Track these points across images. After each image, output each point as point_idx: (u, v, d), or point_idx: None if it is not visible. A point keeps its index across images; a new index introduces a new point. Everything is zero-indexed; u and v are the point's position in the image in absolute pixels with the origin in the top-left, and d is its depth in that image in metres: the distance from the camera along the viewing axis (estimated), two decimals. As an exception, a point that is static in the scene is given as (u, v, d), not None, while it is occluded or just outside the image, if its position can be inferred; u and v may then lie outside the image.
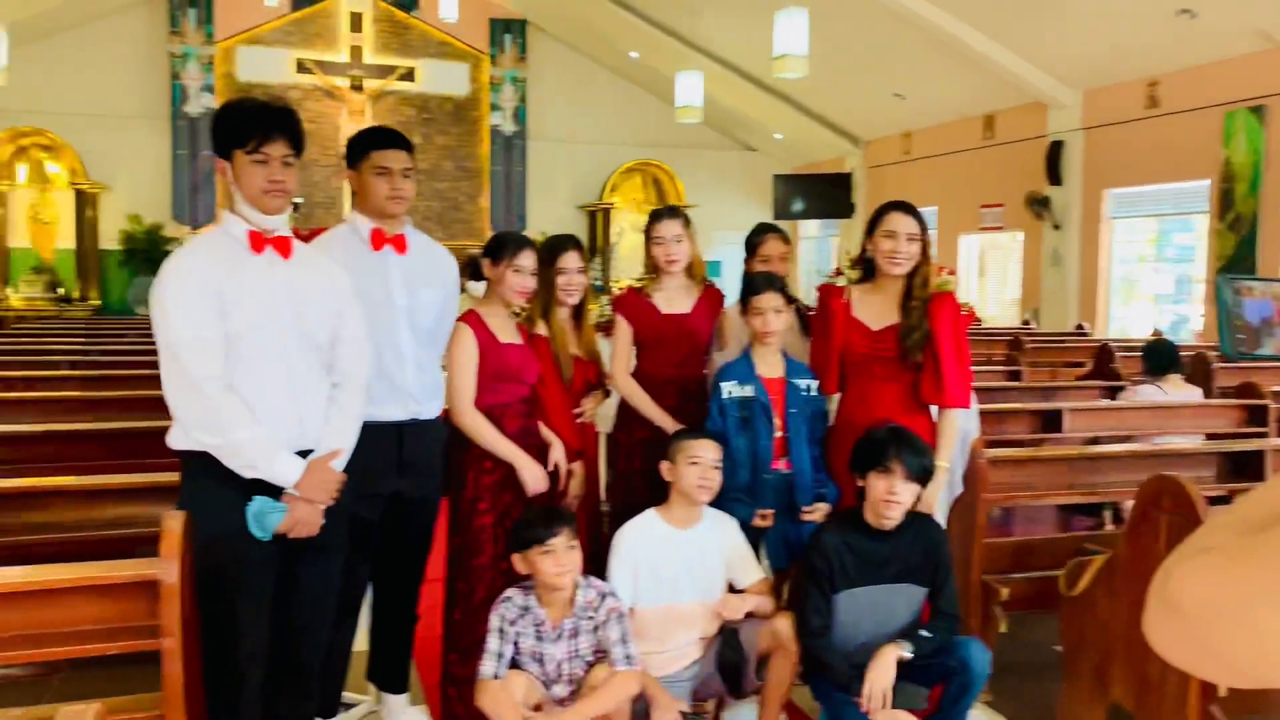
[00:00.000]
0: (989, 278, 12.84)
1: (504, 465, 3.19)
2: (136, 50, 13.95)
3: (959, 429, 3.42)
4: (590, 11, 13.63)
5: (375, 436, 2.79)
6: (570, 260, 3.53)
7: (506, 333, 3.26)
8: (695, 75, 12.50)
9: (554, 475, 3.30)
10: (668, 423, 3.50)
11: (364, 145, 2.99)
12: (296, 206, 12.81)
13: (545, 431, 3.36)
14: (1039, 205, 10.78)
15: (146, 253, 13.75)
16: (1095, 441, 4.88)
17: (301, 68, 14.25)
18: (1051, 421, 4.99)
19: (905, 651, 2.91)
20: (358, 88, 14.39)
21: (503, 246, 3.24)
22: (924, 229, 3.29)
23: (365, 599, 3.20)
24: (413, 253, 3.05)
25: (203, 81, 13.95)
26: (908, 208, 3.28)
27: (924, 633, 2.97)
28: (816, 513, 3.28)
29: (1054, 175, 10.61)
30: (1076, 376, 6.69)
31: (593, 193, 15.61)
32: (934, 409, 3.33)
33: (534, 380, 3.32)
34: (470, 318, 3.21)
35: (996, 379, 6.31)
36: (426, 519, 3.18)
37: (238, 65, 14.12)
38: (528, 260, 3.22)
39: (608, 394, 3.73)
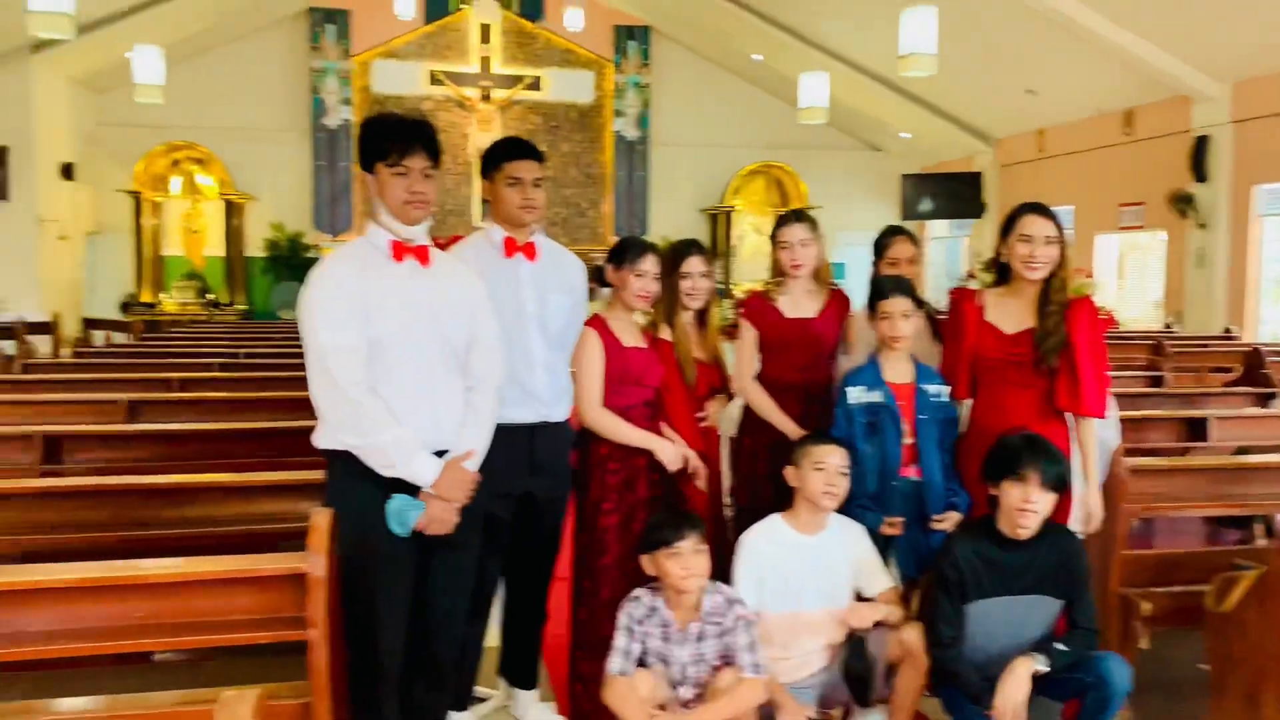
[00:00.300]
0: (1128, 279, 12.32)
1: (628, 466, 3.24)
2: (280, 67, 14.62)
3: (1098, 438, 3.31)
4: (714, 16, 13.65)
5: (507, 438, 2.88)
6: (694, 264, 3.55)
7: (630, 337, 3.30)
8: (819, 76, 12.37)
9: (680, 475, 3.33)
10: (791, 428, 3.49)
11: (497, 156, 3.08)
12: (428, 214, 13.22)
13: (669, 433, 3.39)
14: (1183, 203, 10.30)
15: (288, 259, 14.41)
16: (1244, 451, 4.64)
17: (434, 79, 14.68)
18: (1197, 429, 4.78)
19: (1040, 664, 2.83)
20: (486, 98, 14.74)
21: (625, 251, 3.29)
22: (1062, 231, 3.19)
23: (497, 597, 3.29)
24: (543, 259, 3.13)
25: (341, 95, 14.51)
26: (1045, 210, 3.19)
27: (1059, 646, 2.89)
28: (947, 521, 3.21)
29: (1199, 171, 10.11)
30: (1224, 383, 6.37)
31: (714, 196, 15.61)
32: (1069, 417, 3.23)
33: (657, 383, 3.36)
34: (595, 322, 3.27)
35: (1137, 385, 6.06)
36: (556, 519, 3.25)
37: (374, 78, 14.64)
38: (650, 265, 3.26)
39: (730, 398, 3.74)
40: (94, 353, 7.80)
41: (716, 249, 15.11)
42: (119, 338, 10.85)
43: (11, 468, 3.97)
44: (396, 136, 2.59)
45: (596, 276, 3.47)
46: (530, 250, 3.10)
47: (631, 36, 15.44)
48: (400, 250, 2.63)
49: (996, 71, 11.89)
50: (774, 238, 3.64)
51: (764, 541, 3.10)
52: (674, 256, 3.55)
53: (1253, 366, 6.14)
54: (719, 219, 15.50)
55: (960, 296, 3.35)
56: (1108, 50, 9.89)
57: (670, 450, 3.27)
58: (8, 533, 3.23)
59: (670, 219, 14.94)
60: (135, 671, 3.31)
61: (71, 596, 2.31)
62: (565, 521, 3.31)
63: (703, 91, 15.77)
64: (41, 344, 9.55)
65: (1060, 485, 2.91)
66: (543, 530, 3.21)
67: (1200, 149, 10.11)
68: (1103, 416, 3.25)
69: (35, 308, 11.71)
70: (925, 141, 14.97)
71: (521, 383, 3.04)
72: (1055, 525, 3.00)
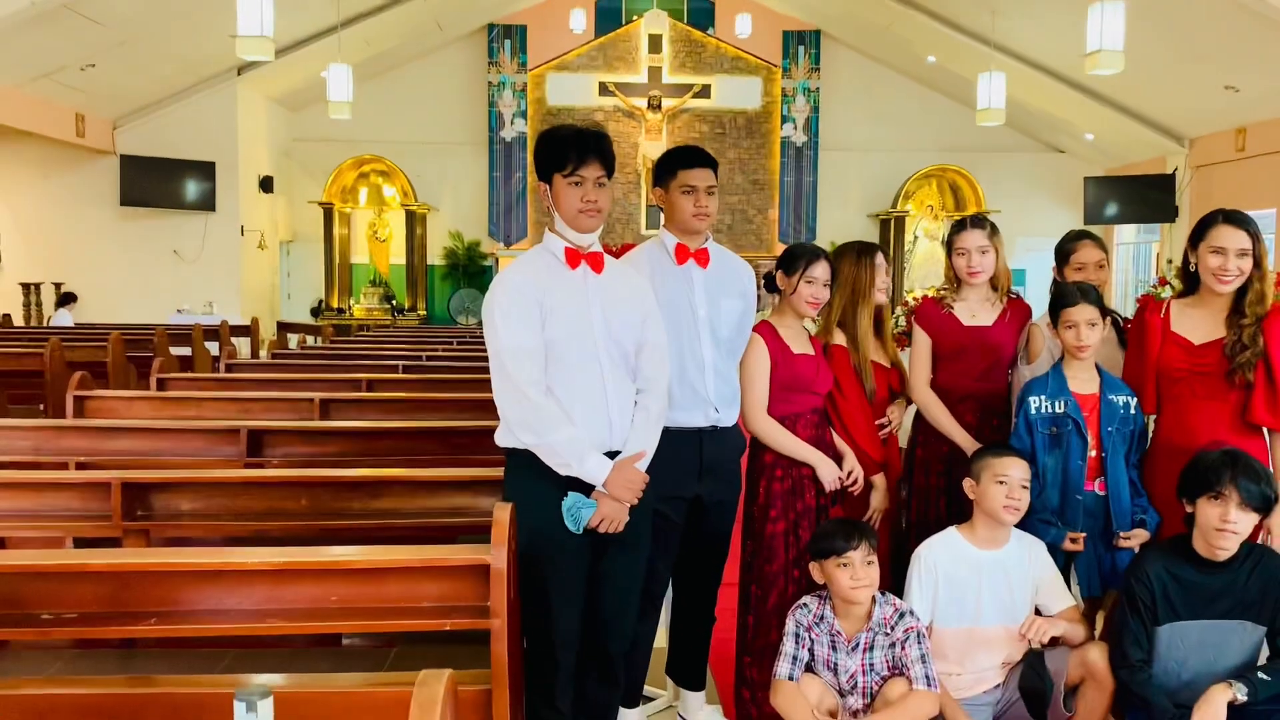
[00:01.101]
0: (1341, 286, 11.40)
1: (793, 475, 3.23)
2: (458, 82, 15.23)
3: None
4: (885, 18, 13.41)
5: (678, 442, 2.93)
6: (879, 260, 3.53)
7: (799, 343, 3.30)
8: (998, 76, 11.98)
9: (843, 486, 3.30)
10: (966, 440, 3.40)
11: (671, 165, 3.13)
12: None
13: (839, 442, 3.36)
14: (1407, 204, 9.46)
15: (465, 267, 15.01)
16: None
17: (604, 90, 14.99)
18: None
19: (1239, 694, 2.67)
20: (655, 107, 14.94)
21: (797, 258, 3.28)
22: (1257, 240, 2.99)
23: (666, 599, 3.34)
24: (714, 266, 3.17)
25: (516, 108, 15.01)
26: (1238, 219, 3.00)
27: (1262, 675, 2.71)
28: (1134, 539, 3.07)
29: None
30: None
31: (885, 200, 15.32)
32: (1266, 433, 3.04)
33: (825, 390, 3.33)
34: (764, 329, 3.28)
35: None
36: (725, 523, 3.27)
37: (547, 91, 15.07)
38: (821, 272, 3.25)
39: (909, 403, 3.67)
40: (289, 354, 8.32)
41: (889, 256, 14.82)
42: (311, 340, 11.55)
43: (220, 459, 4.29)
44: (573, 147, 2.67)
45: (765, 283, 3.48)
46: (702, 257, 3.14)
47: (801, 41, 15.34)
48: (574, 257, 2.72)
49: (1191, 67, 11.21)
50: (950, 243, 3.56)
51: (940, 555, 3.03)
52: (862, 252, 3.52)
53: None
54: (890, 224, 15.19)
55: (1145, 305, 3.21)
56: (1319, 40, 9.20)
57: (828, 470, 3.24)
58: (218, 518, 3.50)
59: (839, 225, 14.75)
60: (326, 654, 3.53)
61: (275, 578, 2.48)
62: (735, 526, 3.33)
63: (873, 95, 15.51)
64: (241, 345, 10.26)
65: (1265, 505, 2.73)
66: (711, 534, 3.24)
67: None
68: None
69: (236, 312, 12.61)
70: (1110, 142, 14.26)
71: (693, 387, 3.08)
72: (1258, 546, 2.82)
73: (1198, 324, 3.09)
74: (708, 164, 3.12)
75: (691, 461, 3.08)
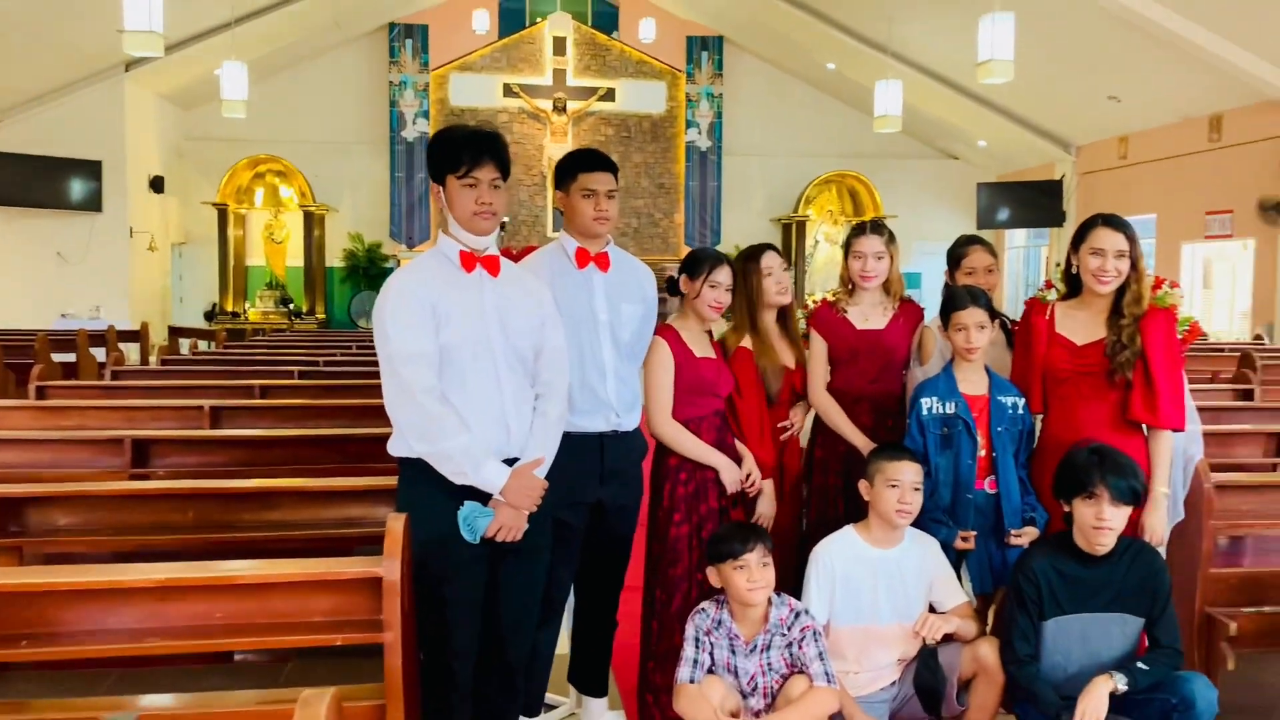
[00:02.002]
0: (1216, 289, 11.96)
1: (697, 478, 3.24)
2: (359, 81, 14.97)
3: (1178, 451, 3.22)
4: (787, 25, 13.61)
5: (579, 447, 2.92)
6: (773, 259, 3.53)
7: (701, 347, 3.31)
8: (894, 84, 12.27)
9: (744, 489, 3.32)
10: (862, 441, 3.46)
11: (571, 168, 3.11)
12: (503, 225, 13.43)
13: (739, 446, 3.38)
14: (1273, 210, 9.98)
15: (366, 269, 14.74)
16: (1340, 468, 4.47)
17: (508, 91, 14.90)
18: (1288, 445, 4.61)
19: (1120, 684, 2.76)
20: (560, 109, 14.91)
21: (700, 262, 3.29)
22: (1134, 243, 3.11)
23: (568, 604, 3.31)
24: (615, 270, 3.16)
25: (418, 108, 14.82)
26: (1116, 222, 3.12)
27: (1141, 665, 2.81)
28: (1024, 537, 3.15)
29: (1292, 178, 9.79)
30: (1318, 396, 6.13)
31: (787, 205, 15.56)
32: (1144, 429, 3.16)
33: (727, 393, 3.35)
34: (666, 332, 3.28)
35: (1225, 398, 5.88)
36: (627, 527, 3.26)
37: (450, 91, 14.91)
38: (724, 276, 3.27)
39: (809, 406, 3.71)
40: (180, 360, 8.05)
41: (790, 259, 15.05)
42: (204, 346, 11.19)
43: (103, 470, 4.12)
44: (466, 148, 2.63)
45: (669, 286, 3.48)
46: (603, 261, 3.13)
47: (704, 47, 15.49)
48: (469, 260, 2.68)
49: (1077, 78, 11.66)
50: (847, 247, 3.61)
51: (836, 554, 3.07)
52: (749, 257, 3.53)
53: (1348, 380, 5.91)
54: (791, 228, 15.42)
55: (1030, 308, 3.30)
56: (1194, 54, 9.64)
57: (730, 473, 3.26)
58: (99, 533, 3.35)
59: (742, 228, 14.93)
60: (217, 671, 3.41)
61: (158, 596, 2.38)
62: (638, 531, 3.32)
63: (776, 101, 15.75)
64: (130, 351, 9.89)
65: (1134, 499, 2.84)
66: (614, 539, 3.23)
67: (1292, 155, 9.79)
68: (1181, 428, 3.16)
69: (125, 316, 12.15)
70: (1003, 150, 14.73)
71: (594, 391, 3.06)
72: (1136, 540, 2.93)
73: (1080, 325, 3.19)
74: (608, 168, 3.11)
75: (593, 466, 3.06)
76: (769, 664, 2.85)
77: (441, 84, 14.90)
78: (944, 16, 11.24)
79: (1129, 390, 3.11)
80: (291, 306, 14.50)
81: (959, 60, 11.19)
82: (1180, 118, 11.45)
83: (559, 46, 14.99)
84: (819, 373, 3.61)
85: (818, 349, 3.62)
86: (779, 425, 3.54)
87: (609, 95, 15.13)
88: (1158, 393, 3.06)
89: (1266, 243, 10.40)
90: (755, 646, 2.85)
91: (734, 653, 2.86)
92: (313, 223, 14.53)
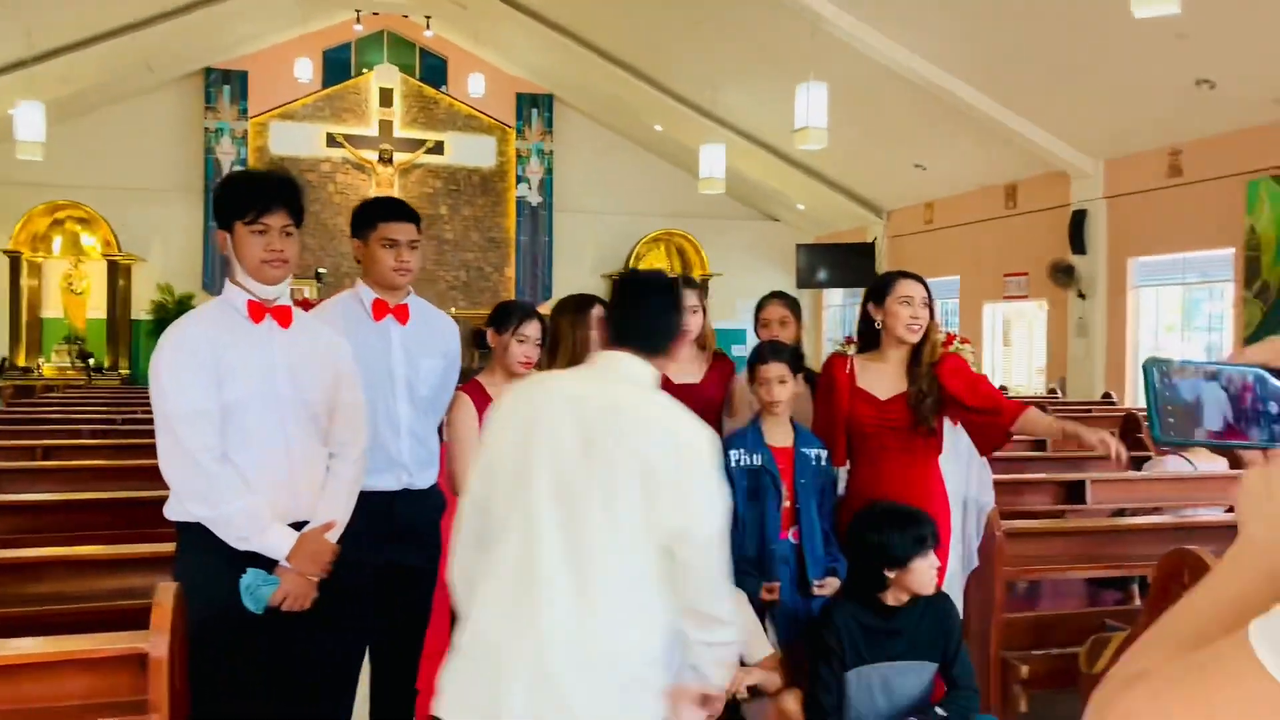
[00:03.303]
0: (1014, 347, 12.74)
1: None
2: (172, 126, 14.32)
3: (971, 499, 3.35)
4: (615, 86, 13.86)
5: (367, 505, 2.76)
6: (598, 310, 3.48)
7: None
8: (718, 147, 12.63)
9: None
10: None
11: (371, 216, 3.00)
12: (320, 277, 12.99)
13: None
14: (1063, 274, 10.71)
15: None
16: (1122, 513, 4.76)
17: (332, 141, 14.55)
18: (1075, 492, 4.88)
19: (919, 731, 2.81)
20: (387, 161, 14.66)
21: (508, 316, 3.23)
22: (930, 294, 3.27)
23: (363, 674, 3.14)
24: (414, 322, 3.05)
25: (236, 155, 14.27)
26: (913, 275, 3.27)
27: (939, 710, 2.87)
28: (827, 587, 3.19)
29: (1078, 244, 10.55)
30: (1102, 446, 6.53)
31: (617, 262, 15.72)
32: (949, 475, 3.27)
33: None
34: (472, 388, 3.20)
35: (1019, 448, 6.20)
36: (424, 590, 3.12)
37: (270, 139, 14.45)
38: (533, 330, 3.22)
39: None
40: (-44, 419, 7.37)
41: (618, 315, 15.16)
42: (-12, 403, 10.33)
43: None
44: (256, 193, 2.50)
45: (475, 340, 3.40)
46: (402, 313, 3.02)
47: (534, 104, 15.58)
48: (258, 311, 2.53)
49: (887, 146, 12.30)
50: (660, 302, 3.62)
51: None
52: (578, 308, 3.47)
53: (1128, 431, 6.33)
54: (620, 285, 15.57)
55: (831, 362, 3.38)
56: (991, 128, 10.33)
57: None
58: None
59: (574, 283, 14.86)
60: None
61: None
62: (438, 593, 3.19)
63: (605, 159, 15.96)
64: (-99, 410, 9.01)
65: (934, 542, 2.92)
66: (408, 601, 3.08)
67: (1078, 222, 10.55)
68: (1023, 410, 3.24)
69: (-102, 371, 11.11)
70: (819, 213, 15.37)
71: (386, 449, 2.93)
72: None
73: (881, 379, 3.28)
74: (410, 218, 3.02)
75: (382, 525, 2.91)
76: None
77: (261, 131, 14.43)
78: (764, 84, 11.68)
79: (934, 439, 3.21)
80: (92, 361, 13.59)
81: (778, 126, 11.62)
82: (979, 186, 12.22)
83: (386, 98, 14.78)
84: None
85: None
86: None
87: (437, 148, 14.99)
88: (983, 396, 3.17)
89: (1057, 304, 11.15)
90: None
91: None
92: (118, 273, 13.71)
